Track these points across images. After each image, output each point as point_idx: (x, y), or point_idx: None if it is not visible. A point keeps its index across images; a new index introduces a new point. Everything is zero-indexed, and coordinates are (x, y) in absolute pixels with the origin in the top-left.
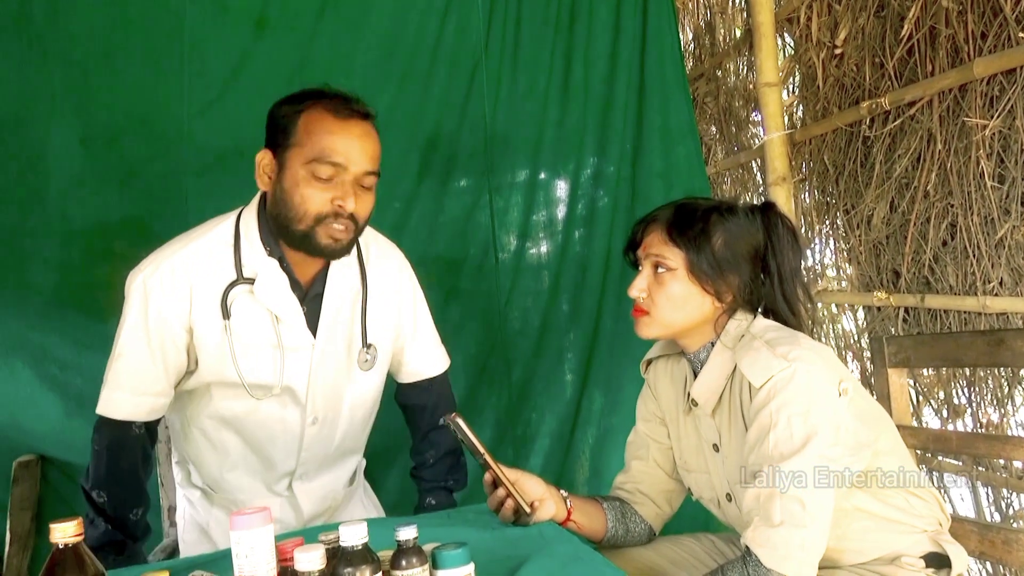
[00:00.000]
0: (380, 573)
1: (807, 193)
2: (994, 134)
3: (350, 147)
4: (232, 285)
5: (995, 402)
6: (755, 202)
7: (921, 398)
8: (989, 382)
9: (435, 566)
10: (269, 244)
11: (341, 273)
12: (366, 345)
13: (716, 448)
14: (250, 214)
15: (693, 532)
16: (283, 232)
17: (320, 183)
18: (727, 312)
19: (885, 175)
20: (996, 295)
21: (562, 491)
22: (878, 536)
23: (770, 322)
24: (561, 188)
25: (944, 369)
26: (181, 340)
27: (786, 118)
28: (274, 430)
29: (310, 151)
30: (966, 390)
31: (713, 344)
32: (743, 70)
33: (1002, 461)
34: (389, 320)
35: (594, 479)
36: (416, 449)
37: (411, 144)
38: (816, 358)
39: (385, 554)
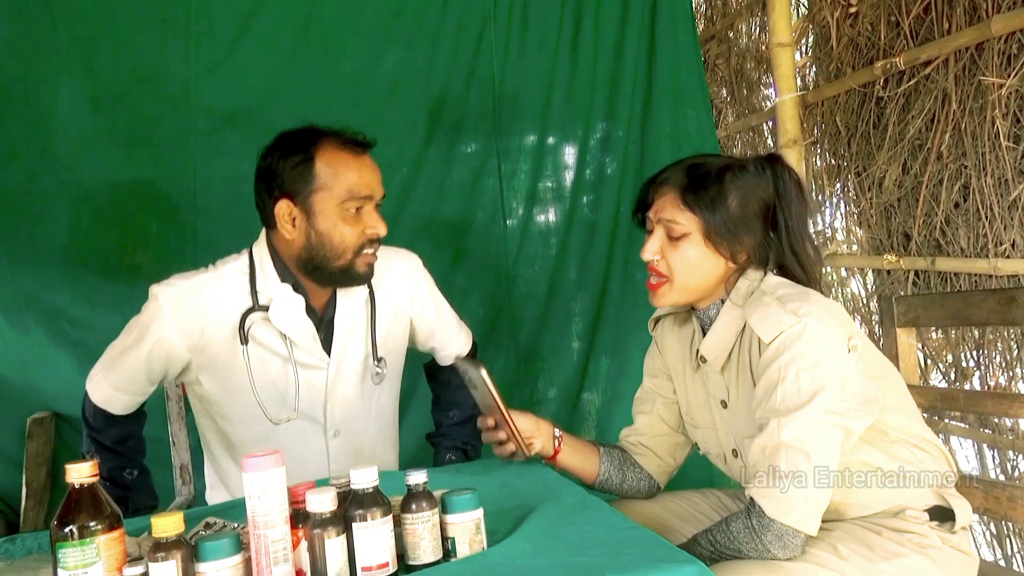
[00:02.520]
0: (391, 516)
1: (818, 156)
2: (1010, 93)
3: (372, 179)
4: (249, 312)
5: (1004, 365)
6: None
7: (929, 361)
8: (998, 345)
9: (444, 510)
10: (281, 272)
11: (350, 292)
12: (377, 360)
13: (724, 404)
14: (261, 247)
15: (698, 488)
16: (318, 270)
17: (353, 218)
18: (738, 270)
19: (898, 137)
20: (1008, 257)
21: (557, 428)
22: (883, 490)
23: (781, 279)
24: (569, 153)
25: (953, 332)
26: (180, 360)
27: (798, 80)
28: (297, 449)
29: (340, 192)
30: (974, 353)
31: (723, 301)
32: (755, 31)
33: (1009, 423)
34: (400, 328)
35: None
36: (439, 407)
37: (419, 105)
38: (826, 314)
39: (396, 500)
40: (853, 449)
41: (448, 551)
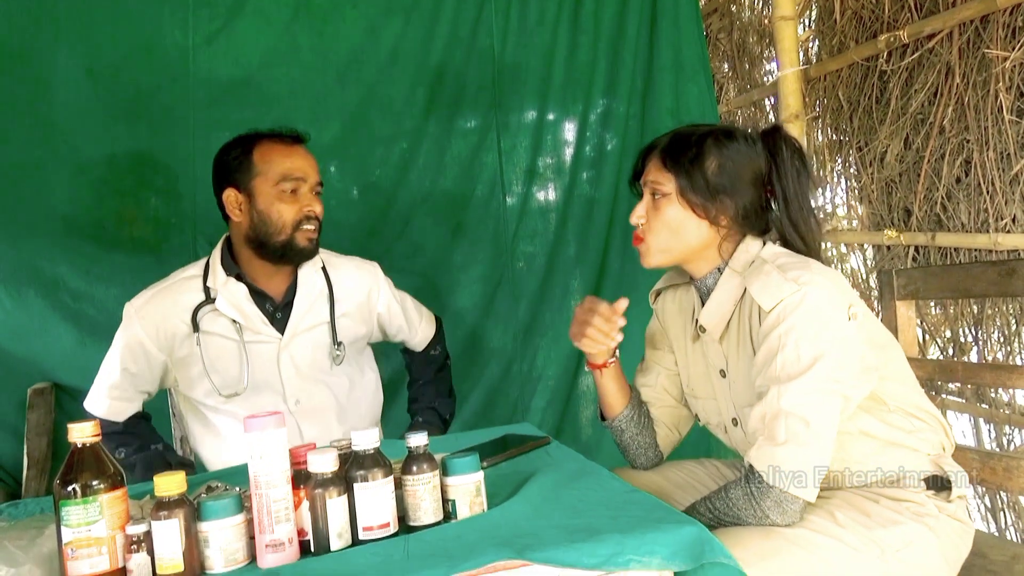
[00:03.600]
0: (392, 477)
1: (820, 131)
2: (1015, 67)
3: (304, 165)
4: (200, 306)
5: (1002, 339)
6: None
7: (927, 336)
8: (996, 320)
9: (445, 472)
10: (228, 268)
11: (308, 279)
12: (336, 343)
13: (723, 374)
14: (216, 252)
15: (695, 458)
16: (264, 247)
17: (289, 198)
18: (732, 238)
19: (901, 111)
20: (1008, 232)
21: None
22: (881, 458)
23: (781, 249)
24: (569, 128)
25: (951, 307)
26: (157, 361)
27: (801, 54)
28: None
29: (274, 175)
30: (972, 328)
31: (721, 270)
32: (758, 4)
33: (1005, 397)
34: (359, 320)
35: (598, 420)
36: (411, 376)
37: (418, 78)
38: (826, 282)
39: (396, 463)
40: (851, 417)
41: (448, 513)
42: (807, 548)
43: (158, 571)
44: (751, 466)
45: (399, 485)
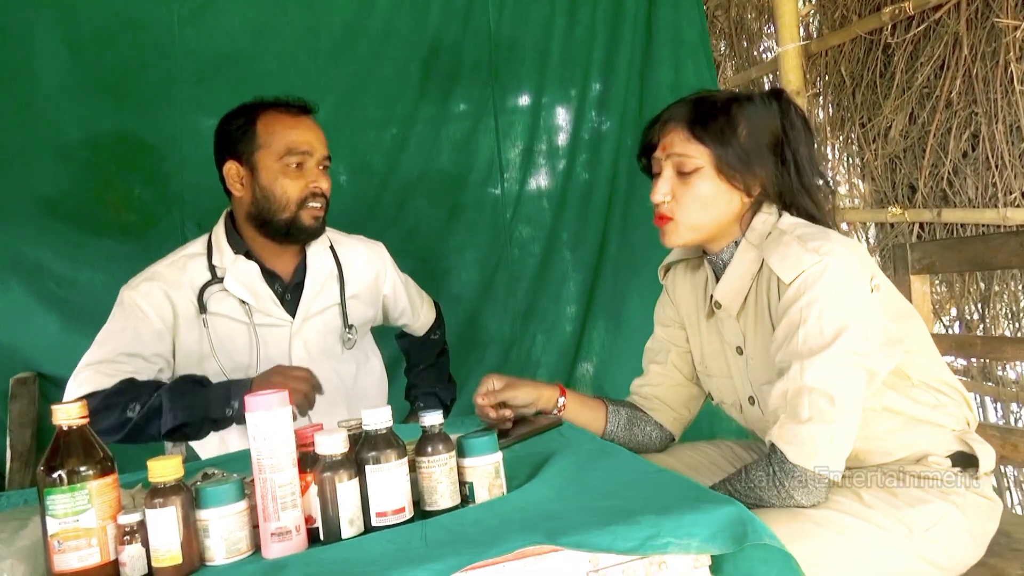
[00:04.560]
0: (406, 458)
1: (821, 108)
2: None
3: (311, 137)
4: (207, 285)
5: (1009, 316)
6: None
7: (932, 315)
8: (1004, 297)
9: (461, 454)
10: (235, 245)
11: (318, 259)
12: (347, 326)
13: (740, 351)
14: (219, 228)
15: (694, 440)
16: (267, 224)
17: (294, 172)
18: (752, 208)
19: (906, 85)
20: (1018, 207)
21: (561, 393)
22: (905, 436)
23: (798, 219)
24: (567, 106)
25: (957, 285)
26: (164, 341)
27: (801, 29)
28: None
29: (278, 148)
30: (979, 306)
31: (737, 243)
32: None
33: (1013, 375)
34: (368, 302)
35: None
36: (410, 363)
37: (412, 53)
38: (848, 253)
39: (409, 445)
40: (876, 394)
41: (466, 496)
42: (835, 529)
43: (154, 564)
44: (773, 445)
45: (413, 468)
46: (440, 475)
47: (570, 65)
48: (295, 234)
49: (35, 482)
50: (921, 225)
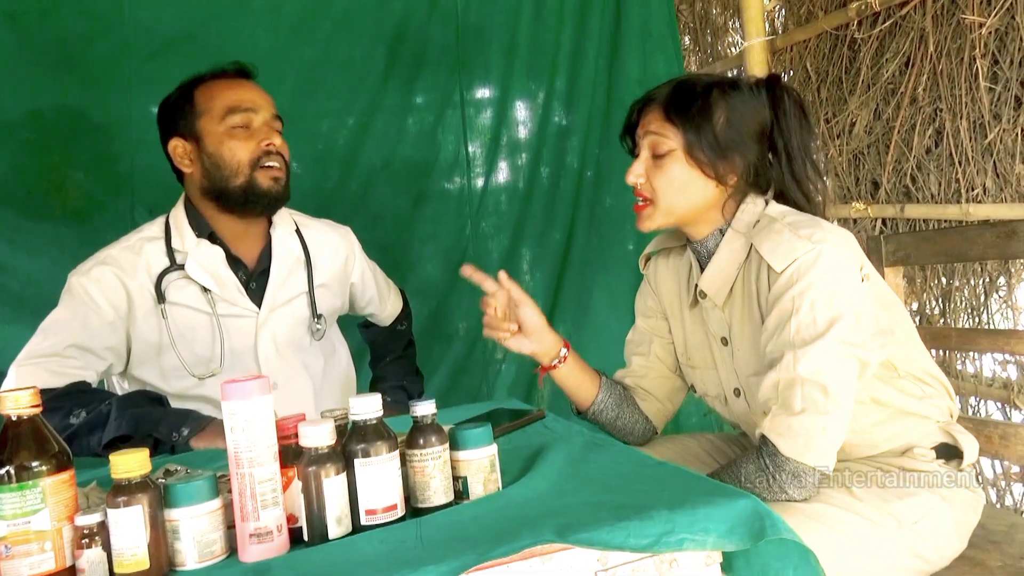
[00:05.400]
0: (397, 451)
1: None
2: (990, 33)
3: (252, 94)
4: (165, 272)
5: (969, 309)
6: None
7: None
8: (964, 291)
9: (455, 446)
10: (198, 227)
11: (283, 244)
12: (316, 316)
13: (725, 342)
14: (178, 210)
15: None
16: (223, 197)
17: (241, 132)
18: (735, 196)
19: (871, 81)
20: (980, 202)
21: (566, 347)
22: (891, 427)
23: (785, 207)
24: (535, 97)
25: (918, 280)
26: (118, 333)
27: (766, 24)
28: None
29: (220, 110)
30: (939, 300)
31: (723, 231)
32: None
33: (971, 369)
34: (336, 290)
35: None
36: (375, 355)
37: (376, 37)
38: (841, 240)
39: (399, 436)
40: (864, 386)
41: (459, 492)
42: (827, 523)
43: (116, 569)
44: (764, 437)
45: (404, 461)
46: (433, 469)
47: (538, 53)
48: (254, 201)
49: None
50: (884, 221)
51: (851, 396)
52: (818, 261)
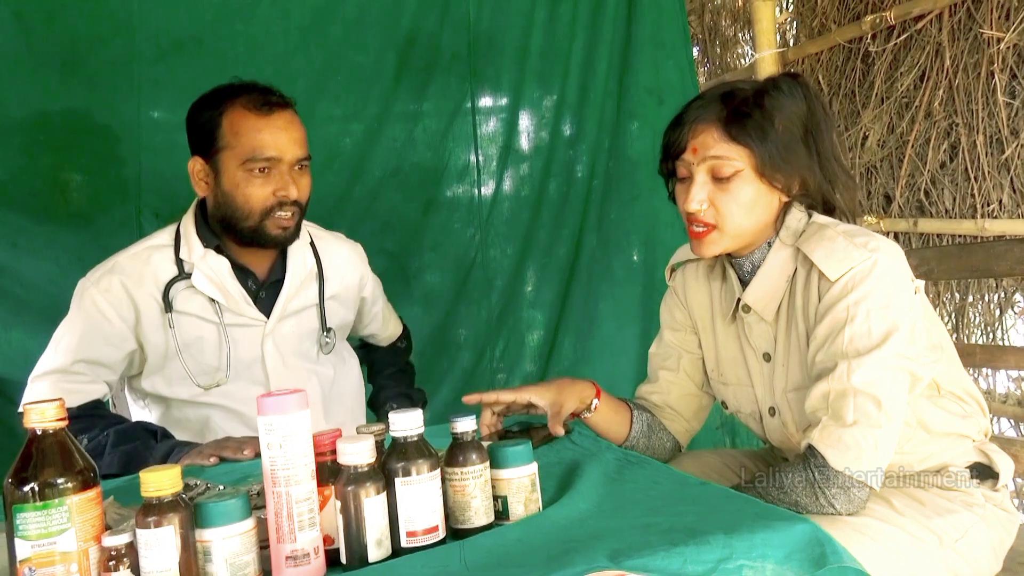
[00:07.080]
0: (439, 470)
1: None
2: (1008, 48)
3: (278, 140)
4: (173, 281)
5: (983, 326)
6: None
7: None
8: (979, 307)
9: (495, 464)
10: (206, 238)
11: (297, 257)
12: (326, 329)
13: (768, 357)
14: (188, 218)
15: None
16: (232, 230)
17: (259, 179)
18: (783, 207)
19: (885, 94)
20: (996, 218)
21: (596, 391)
22: (930, 447)
23: (829, 218)
24: (546, 105)
25: (931, 295)
26: (126, 344)
27: (778, 36)
28: (246, 409)
29: (241, 152)
30: (953, 316)
31: (770, 244)
32: None
33: (985, 386)
34: (347, 305)
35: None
36: (375, 368)
37: (387, 42)
38: (896, 250)
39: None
40: (910, 404)
41: (499, 512)
42: (872, 536)
43: None
44: (812, 448)
45: (443, 480)
46: (474, 488)
47: (549, 61)
48: (261, 243)
49: None
50: (896, 235)
51: (902, 410)
52: (874, 270)
